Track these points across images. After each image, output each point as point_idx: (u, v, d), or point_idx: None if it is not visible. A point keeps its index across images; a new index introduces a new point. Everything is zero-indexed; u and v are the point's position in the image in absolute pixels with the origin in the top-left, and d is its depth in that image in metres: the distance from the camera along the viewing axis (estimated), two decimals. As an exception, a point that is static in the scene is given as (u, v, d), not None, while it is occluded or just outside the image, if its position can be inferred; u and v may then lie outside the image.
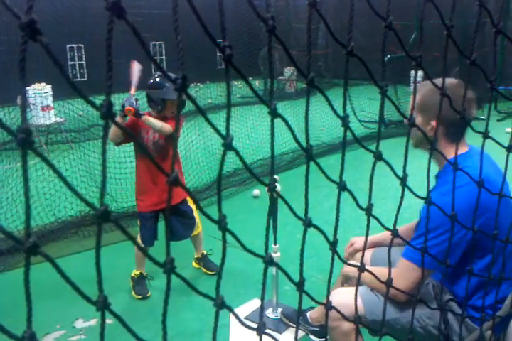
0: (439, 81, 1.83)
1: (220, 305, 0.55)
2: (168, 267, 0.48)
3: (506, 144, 1.19)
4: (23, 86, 0.44)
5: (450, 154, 1.80)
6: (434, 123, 1.87)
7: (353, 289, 2.07)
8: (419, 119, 1.90)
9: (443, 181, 1.91)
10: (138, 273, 3.38)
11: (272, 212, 2.67)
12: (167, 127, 3.04)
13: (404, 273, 1.82)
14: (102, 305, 0.45)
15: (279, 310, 2.91)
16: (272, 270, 2.82)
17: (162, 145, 3.19)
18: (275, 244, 2.84)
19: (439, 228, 1.76)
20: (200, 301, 3.18)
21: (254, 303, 3.09)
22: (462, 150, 1.89)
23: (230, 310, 0.59)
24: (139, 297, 3.29)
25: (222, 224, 0.55)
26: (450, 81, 1.75)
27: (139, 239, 3.29)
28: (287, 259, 3.32)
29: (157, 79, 3.11)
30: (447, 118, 1.67)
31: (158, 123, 3.02)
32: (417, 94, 1.95)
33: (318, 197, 5.05)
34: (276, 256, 2.77)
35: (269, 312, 2.93)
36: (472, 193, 1.68)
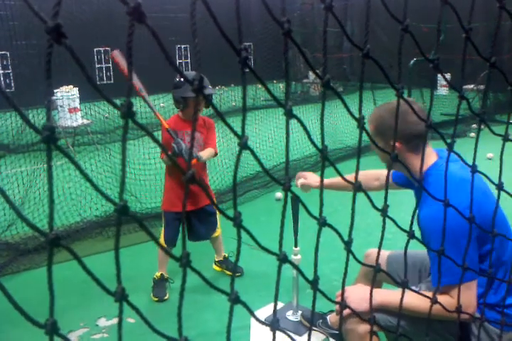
0: (384, 106, 1.93)
1: (234, 300, 0.57)
2: (184, 261, 0.50)
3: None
4: (48, 86, 0.46)
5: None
6: (393, 143, 1.86)
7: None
8: (380, 144, 1.87)
9: (426, 195, 1.82)
10: (159, 274, 3.41)
11: (293, 214, 2.68)
12: (212, 154, 3.45)
13: (461, 295, 1.42)
14: (120, 297, 0.47)
15: (299, 312, 2.91)
16: (293, 272, 2.82)
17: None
18: (296, 246, 2.84)
19: (457, 240, 1.60)
20: (221, 302, 3.20)
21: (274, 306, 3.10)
22: (432, 160, 1.89)
23: (245, 305, 0.60)
24: (156, 299, 3.31)
25: (237, 221, 0.56)
26: (395, 103, 1.90)
27: (162, 240, 3.32)
28: (310, 262, 3.33)
29: (178, 78, 3.19)
30: (403, 135, 1.78)
31: (209, 156, 3.41)
32: (370, 121, 1.96)
33: (344, 200, 5.02)
34: (296, 258, 2.76)
35: (290, 315, 2.93)
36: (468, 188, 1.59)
